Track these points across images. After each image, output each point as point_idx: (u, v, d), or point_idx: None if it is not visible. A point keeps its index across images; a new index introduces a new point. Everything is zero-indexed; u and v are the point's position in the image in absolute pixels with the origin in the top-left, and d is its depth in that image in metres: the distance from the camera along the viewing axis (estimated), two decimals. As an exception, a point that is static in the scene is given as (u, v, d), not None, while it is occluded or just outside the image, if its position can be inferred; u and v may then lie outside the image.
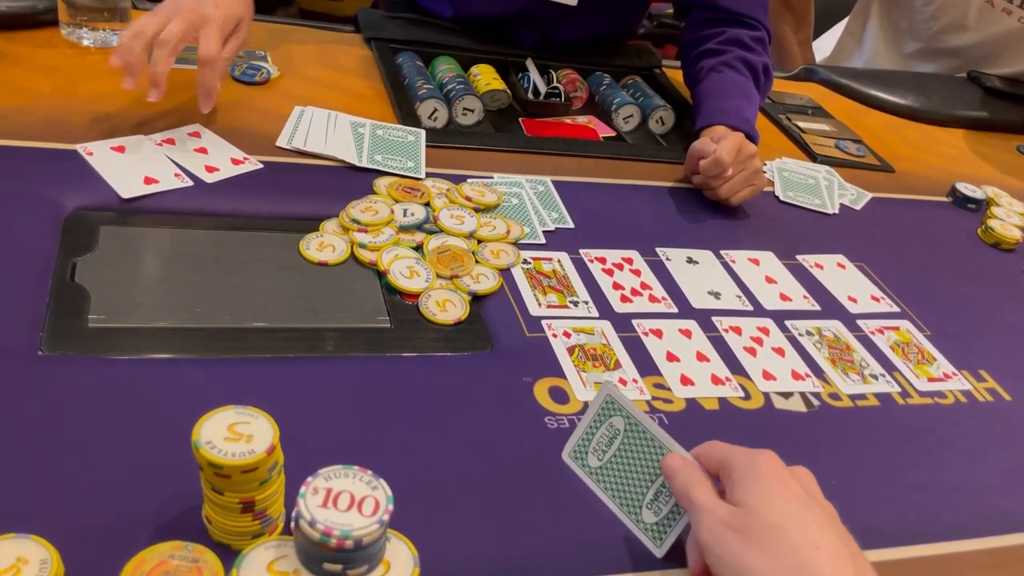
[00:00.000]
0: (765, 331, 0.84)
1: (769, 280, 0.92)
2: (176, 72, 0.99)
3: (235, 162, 0.84)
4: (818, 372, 0.80)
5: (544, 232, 0.90)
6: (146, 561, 0.41)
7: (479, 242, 0.85)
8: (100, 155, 0.81)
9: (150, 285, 0.71)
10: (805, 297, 0.91)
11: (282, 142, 0.93)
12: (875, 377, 0.81)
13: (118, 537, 0.49)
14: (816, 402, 0.77)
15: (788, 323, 0.86)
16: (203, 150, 0.85)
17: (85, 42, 1.01)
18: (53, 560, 0.46)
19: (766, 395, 0.76)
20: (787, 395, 0.77)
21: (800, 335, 0.84)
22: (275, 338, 0.69)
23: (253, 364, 0.66)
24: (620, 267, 0.88)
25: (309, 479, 0.43)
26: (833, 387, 0.79)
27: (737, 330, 0.83)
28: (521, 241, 0.87)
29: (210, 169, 0.82)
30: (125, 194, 0.77)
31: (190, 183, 0.81)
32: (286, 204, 0.84)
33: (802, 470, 0.54)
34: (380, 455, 0.61)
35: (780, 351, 0.82)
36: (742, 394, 0.75)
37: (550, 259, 0.86)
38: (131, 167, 0.80)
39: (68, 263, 0.70)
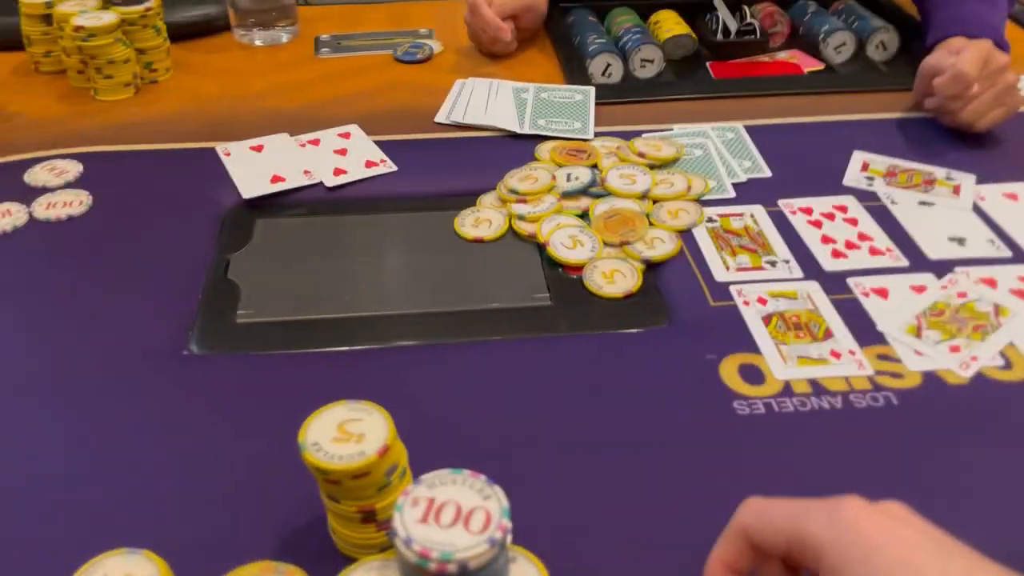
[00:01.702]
0: (1031, 281, 0.66)
1: (1009, 195, 0.73)
2: (342, 60, 0.98)
3: (369, 164, 0.79)
4: (1112, 329, 0.61)
5: (734, 184, 0.77)
6: (230, 585, 0.36)
7: (654, 202, 0.74)
8: (236, 155, 0.79)
9: (300, 277, 0.68)
10: (1091, 235, 0.71)
11: (441, 117, 0.87)
12: None
13: (240, 550, 0.45)
14: (1113, 368, 0.58)
15: (1063, 269, 0.67)
16: (343, 151, 0.80)
17: (257, 42, 1.02)
18: (161, 577, 0.42)
19: (1035, 362, 0.59)
20: (1067, 361, 0.59)
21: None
22: (423, 324, 0.63)
23: (399, 353, 0.60)
24: (831, 217, 0.73)
25: (409, 487, 0.36)
26: None
27: (990, 282, 0.65)
28: (705, 197, 0.75)
29: (337, 172, 0.77)
30: (246, 194, 0.74)
31: (318, 180, 0.77)
32: (444, 182, 0.78)
33: (893, 506, 0.38)
34: (533, 451, 0.52)
35: (1051, 298, 0.63)
36: (1000, 363, 0.59)
37: (741, 214, 0.73)
38: (261, 166, 0.78)
39: (223, 260, 0.68)
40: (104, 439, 0.53)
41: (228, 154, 0.80)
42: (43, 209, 0.71)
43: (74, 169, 0.76)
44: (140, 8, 0.90)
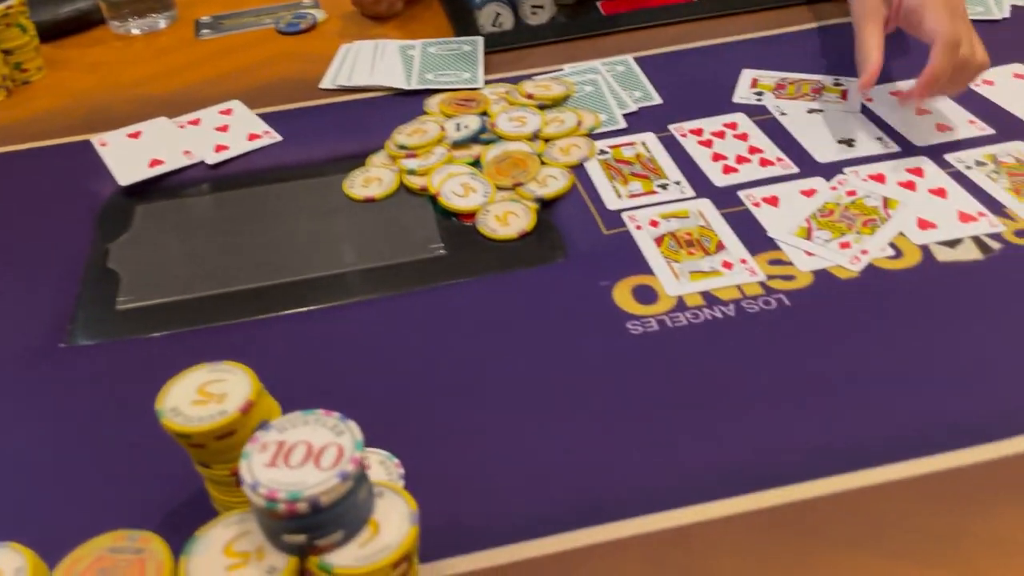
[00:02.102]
0: (917, 172, 0.66)
1: (921, 112, 0.73)
2: (223, 39, 0.95)
3: (252, 137, 0.76)
4: (996, 208, 0.62)
5: (625, 115, 0.76)
6: (81, 559, 0.34)
7: (546, 142, 0.73)
8: (113, 144, 0.76)
9: (183, 257, 0.65)
10: (971, 122, 0.71)
11: (326, 83, 0.85)
12: (1080, 200, 0.61)
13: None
14: (996, 245, 0.58)
15: (949, 157, 0.67)
16: (224, 128, 0.78)
17: (134, 31, 0.98)
18: (29, 567, 0.39)
19: (924, 248, 0.59)
20: (954, 243, 0.59)
21: (967, 168, 0.66)
22: (314, 288, 0.61)
23: (291, 320, 0.58)
24: (721, 135, 0.72)
25: (257, 433, 0.34)
26: (1020, 222, 0.60)
27: (879, 178, 0.65)
28: (597, 131, 0.74)
29: (219, 148, 0.75)
30: (123, 180, 0.71)
31: (199, 159, 0.74)
32: (332, 147, 0.76)
33: None
34: (435, 397, 0.51)
35: (940, 192, 0.63)
36: (891, 253, 0.59)
37: (632, 143, 0.72)
38: (139, 151, 0.75)
39: (102, 250, 0.66)
40: (-24, 441, 0.50)
41: (104, 144, 0.77)
42: (-92, 220, 0.68)
43: (-59, 177, 0.73)
44: (1, 7, 0.86)
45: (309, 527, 0.33)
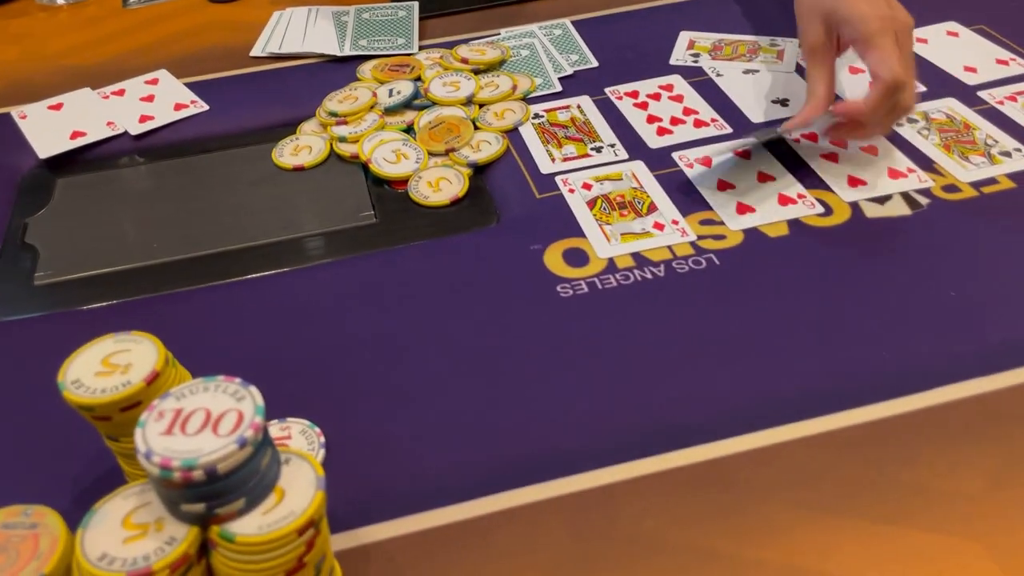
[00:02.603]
0: (850, 131, 0.65)
1: (854, 70, 0.73)
2: (152, 8, 0.92)
3: (178, 107, 0.74)
4: (925, 164, 0.62)
5: (561, 79, 0.75)
6: (-28, 537, 0.33)
7: (480, 107, 0.72)
8: (33, 116, 0.73)
9: (104, 230, 0.63)
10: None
11: (257, 51, 0.82)
12: (1007, 155, 0.62)
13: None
14: (924, 200, 0.59)
15: (882, 115, 0.67)
16: (150, 98, 0.75)
17: (59, 1, 0.95)
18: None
19: (854, 205, 0.59)
20: (883, 199, 0.59)
21: (899, 125, 0.66)
22: (240, 259, 0.59)
23: (214, 292, 0.56)
24: (656, 97, 0.71)
25: (155, 401, 0.33)
26: (949, 177, 0.60)
27: (811, 137, 0.65)
28: (533, 94, 0.73)
29: (144, 118, 0.73)
30: (43, 153, 0.69)
31: (122, 130, 0.72)
32: (262, 115, 0.74)
33: None
34: (364, 361, 0.50)
35: (872, 149, 0.63)
36: (820, 210, 0.58)
37: (567, 107, 0.71)
38: (61, 123, 0.72)
39: (19, 224, 0.64)
40: None
41: (24, 116, 0.74)
42: None
43: None
44: (-87, -24, 0.82)
45: (207, 495, 0.31)
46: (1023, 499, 0.40)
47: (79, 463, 0.45)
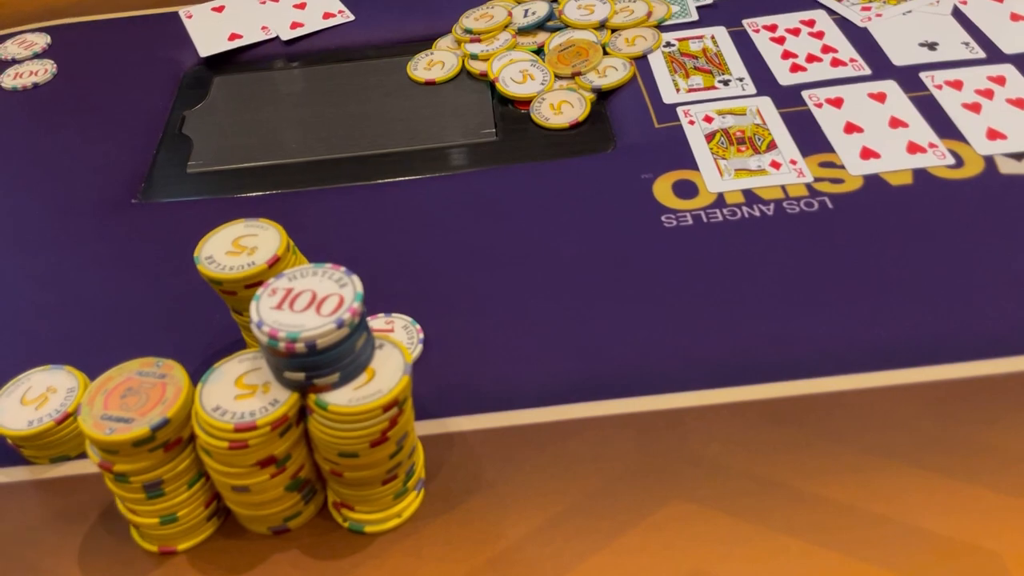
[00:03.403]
0: (1000, 80, 0.62)
1: (1016, 16, 0.68)
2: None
3: (326, 16, 0.78)
4: (1077, 122, 0.58)
5: (700, 8, 0.74)
6: (113, 378, 0.38)
7: (613, 31, 0.72)
8: (198, 16, 0.79)
9: (252, 128, 0.68)
10: (1073, 30, 0.66)
11: (405, -35, 0.85)
12: None
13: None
14: (1069, 161, 0.55)
15: (1039, 66, 0.63)
16: (302, 5, 0.79)
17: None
18: (80, 387, 0.45)
19: (988, 159, 0.56)
20: (1021, 155, 0.56)
21: (1057, 78, 0.61)
22: (367, 165, 0.63)
23: (340, 194, 0.61)
24: (795, 32, 0.69)
25: (271, 279, 0.37)
26: (1101, 138, 0.56)
27: (956, 84, 0.62)
28: (667, 22, 0.72)
29: (294, 25, 0.77)
30: (204, 52, 0.75)
31: (274, 35, 0.76)
32: (402, 28, 0.77)
33: None
34: (471, 269, 0.53)
35: (1019, 103, 0.60)
36: (951, 161, 0.56)
37: (700, 37, 0.70)
38: (221, 25, 0.78)
39: (178, 116, 0.70)
40: (50, 277, 0.56)
41: (190, 16, 0.80)
42: (10, 79, 0.73)
43: (42, 41, 0.78)
44: None
45: (307, 366, 0.35)
46: (1109, 473, 0.39)
47: (210, 331, 0.50)
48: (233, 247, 0.44)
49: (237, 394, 0.37)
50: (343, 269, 0.37)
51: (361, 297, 0.36)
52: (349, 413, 0.36)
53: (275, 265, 0.43)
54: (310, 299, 0.36)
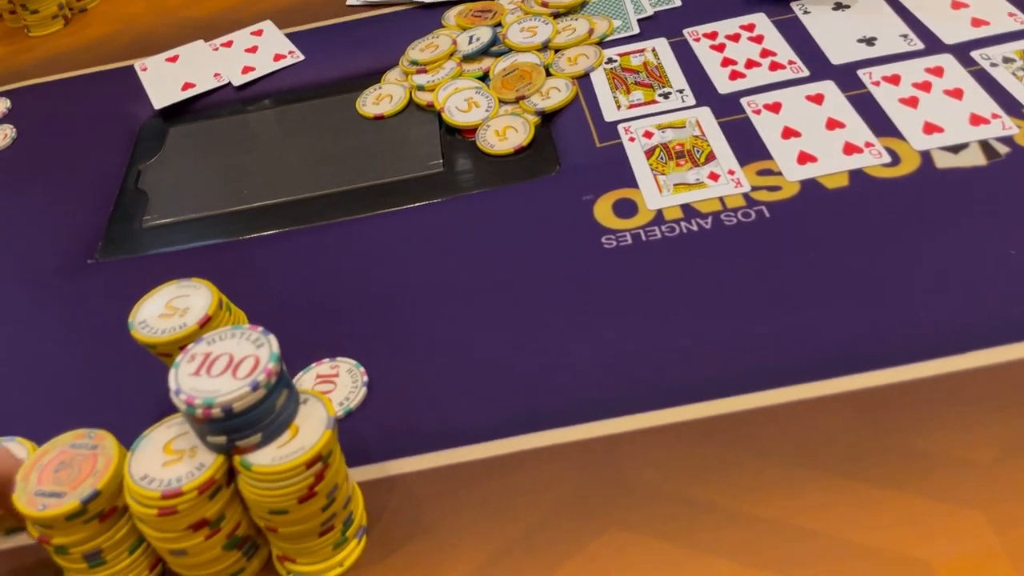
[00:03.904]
0: (937, 71, 0.62)
1: (958, 5, 0.68)
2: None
3: (277, 58, 0.79)
4: (1013, 109, 0.58)
5: (640, 20, 0.74)
6: (47, 452, 0.39)
7: (556, 51, 0.72)
8: (153, 68, 0.80)
9: (205, 177, 0.70)
10: (1011, 15, 0.66)
11: (353, 0, 0.86)
12: (1110, 98, 0.57)
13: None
14: (1004, 149, 0.55)
15: (976, 54, 0.63)
16: (253, 49, 0.81)
17: (184, -44, 1.01)
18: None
19: (924, 154, 0.56)
20: (958, 148, 0.56)
21: (993, 64, 0.61)
22: (314, 206, 0.64)
23: (288, 238, 0.62)
24: (735, 38, 0.69)
25: (189, 346, 0.38)
26: (1037, 125, 0.56)
27: (893, 79, 0.62)
28: (609, 38, 0.73)
29: (246, 69, 0.78)
30: (158, 104, 0.76)
31: (226, 81, 0.77)
32: (352, 64, 0.78)
33: None
34: (414, 306, 0.54)
35: (956, 93, 0.60)
36: (887, 160, 0.56)
37: (642, 50, 0.71)
38: (175, 75, 0.79)
39: (134, 171, 0.71)
40: (5, 346, 0.57)
41: (145, 69, 0.81)
42: (-29, 147, 0.75)
43: (2, 106, 0.79)
44: (55, -61, 0.90)
45: (227, 430, 0.36)
46: (1035, 472, 0.39)
47: (149, 394, 0.51)
48: (166, 309, 0.45)
49: (165, 460, 0.38)
50: (260, 329, 0.38)
51: (277, 357, 0.37)
52: (272, 472, 0.36)
53: (207, 324, 0.44)
54: (227, 362, 0.37)
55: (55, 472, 0.38)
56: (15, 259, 0.64)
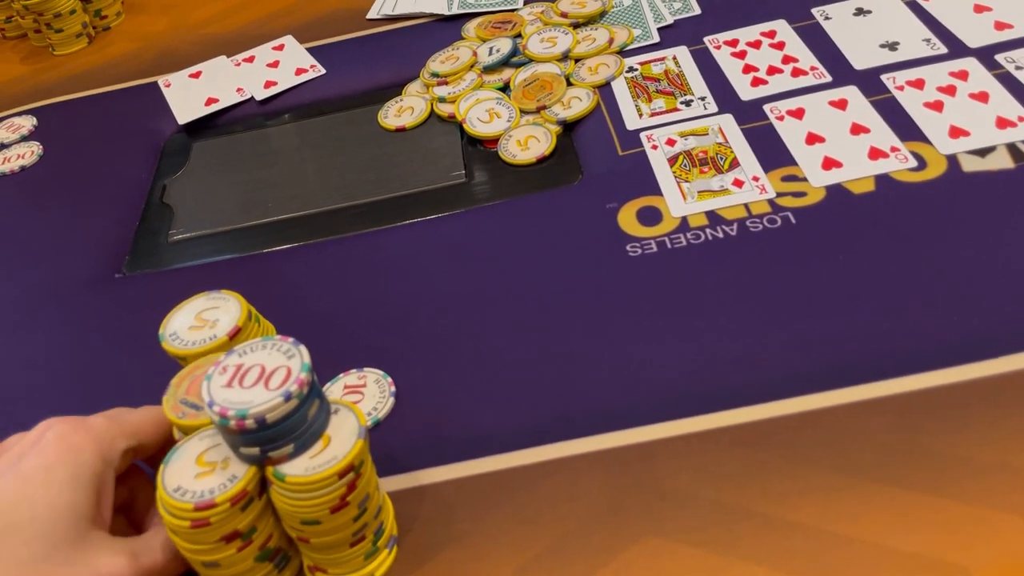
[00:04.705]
0: (962, 75, 0.61)
1: (980, 8, 0.67)
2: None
3: (299, 72, 0.79)
4: (1041, 111, 0.57)
5: (660, 29, 0.74)
6: (200, 366, 0.39)
7: (576, 61, 0.73)
8: (176, 84, 0.81)
9: (230, 191, 0.70)
10: (1035, 16, 0.65)
11: (373, 14, 0.87)
12: None
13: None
14: (1033, 152, 0.55)
15: (1000, 57, 0.62)
16: (275, 64, 0.81)
17: (206, -27, 1.03)
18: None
19: (951, 158, 0.56)
20: (985, 151, 0.55)
21: (1018, 67, 0.61)
22: (339, 218, 0.64)
23: (313, 250, 0.62)
24: (756, 45, 0.69)
25: (221, 357, 0.38)
26: (1065, 126, 0.56)
27: (918, 83, 0.62)
28: (629, 47, 0.73)
29: (268, 84, 0.79)
30: (181, 119, 0.76)
31: (249, 96, 0.78)
32: (373, 77, 0.78)
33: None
34: (439, 316, 0.54)
35: (982, 96, 0.59)
36: (913, 164, 0.56)
37: (662, 59, 0.71)
38: (198, 91, 0.80)
39: (160, 186, 0.72)
40: (39, 360, 0.57)
41: (168, 85, 0.82)
42: (-1, 165, 0.76)
43: (28, 123, 0.80)
44: (79, -42, 0.92)
45: (260, 441, 0.36)
46: (1075, 477, 0.38)
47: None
48: (196, 321, 0.45)
49: (197, 472, 0.38)
50: (291, 340, 0.38)
51: (308, 367, 0.37)
52: (305, 483, 0.36)
53: (236, 336, 0.44)
54: (259, 374, 0.37)
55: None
56: (43, 274, 0.64)
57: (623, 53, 0.72)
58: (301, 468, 0.37)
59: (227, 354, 0.38)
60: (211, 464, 0.38)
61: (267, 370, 0.37)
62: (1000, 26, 0.65)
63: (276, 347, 0.38)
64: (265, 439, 0.36)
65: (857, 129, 0.59)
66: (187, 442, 0.39)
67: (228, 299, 0.46)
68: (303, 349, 0.38)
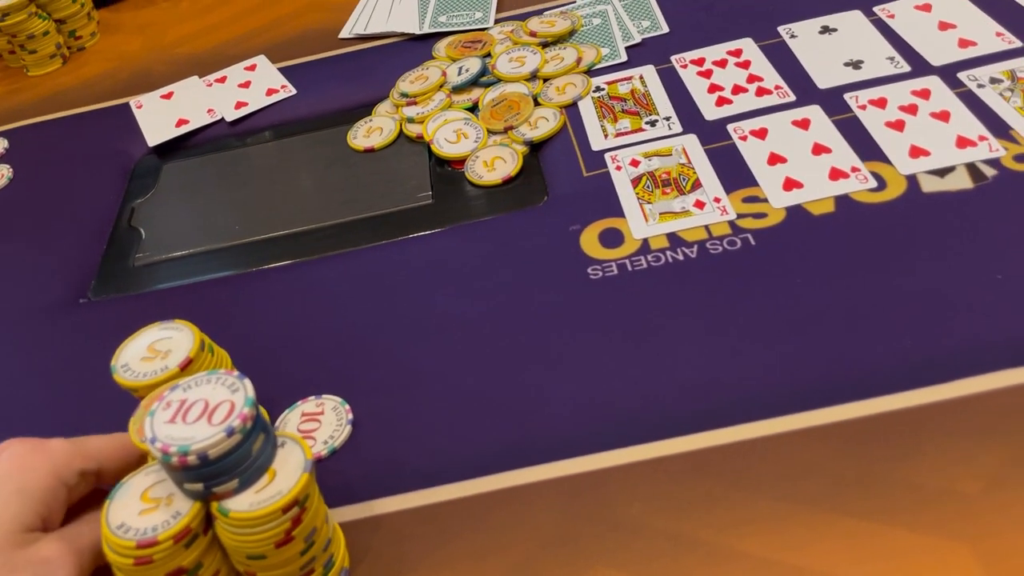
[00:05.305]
0: (924, 94, 0.62)
1: (945, 25, 0.68)
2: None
3: (270, 92, 0.80)
4: (1000, 131, 0.57)
5: (628, 48, 0.74)
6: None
7: (544, 81, 0.73)
8: (148, 105, 0.81)
9: (198, 213, 0.70)
10: (999, 34, 0.65)
11: (345, 33, 0.87)
12: (1097, 117, 0.56)
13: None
14: (991, 171, 0.55)
15: (963, 75, 0.62)
16: (247, 84, 0.81)
17: (181, -8, 1.03)
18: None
19: (911, 178, 0.56)
20: (945, 171, 0.56)
21: (980, 86, 0.61)
22: (306, 241, 0.64)
23: (276, 274, 0.62)
24: (723, 64, 0.70)
25: (165, 393, 0.38)
26: None
27: (880, 102, 0.62)
28: (597, 66, 0.73)
29: (239, 105, 0.79)
30: (152, 141, 0.76)
31: (219, 117, 0.78)
32: (344, 97, 0.78)
33: None
34: (396, 340, 0.54)
35: (943, 115, 0.59)
36: (873, 184, 0.56)
37: (629, 78, 0.71)
38: (169, 112, 0.80)
39: (128, 209, 0.72)
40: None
41: (140, 106, 0.82)
42: (-32, 189, 0.75)
43: (0, 146, 0.80)
44: (53, -21, 0.92)
45: (203, 477, 0.36)
46: (1021, 502, 0.38)
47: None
48: (148, 352, 0.45)
49: (142, 509, 0.37)
50: (236, 373, 0.38)
51: (252, 402, 0.37)
52: (248, 518, 0.36)
53: (188, 367, 0.44)
54: (203, 408, 0.37)
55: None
56: (6, 300, 0.64)
57: (591, 72, 0.73)
58: (246, 503, 0.37)
59: (171, 389, 0.38)
60: (156, 500, 0.38)
61: (211, 405, 0.37)
62: (964, 43, 0.65)
63: (220, 381, 0.38)
64: (208, 475, 0.36)
65: (819, 149, 0.59)
66: (133, 478, 0.39)
67: (181, 329, 0.46)
68: (247, 383, 0.38)
